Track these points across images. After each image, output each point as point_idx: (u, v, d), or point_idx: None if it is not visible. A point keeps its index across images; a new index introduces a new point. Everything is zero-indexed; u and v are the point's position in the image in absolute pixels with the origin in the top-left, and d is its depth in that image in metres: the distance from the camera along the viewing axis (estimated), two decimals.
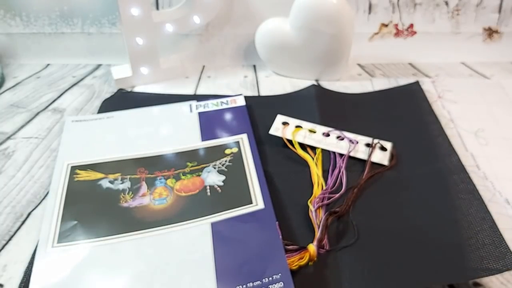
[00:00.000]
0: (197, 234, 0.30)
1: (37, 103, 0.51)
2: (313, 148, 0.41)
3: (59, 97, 0.53)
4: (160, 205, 0.33)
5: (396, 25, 0.63)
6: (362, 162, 0.39)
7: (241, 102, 0.47)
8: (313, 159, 0.39)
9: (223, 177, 0.35)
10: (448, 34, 0.63)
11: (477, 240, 0.30)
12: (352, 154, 0.40)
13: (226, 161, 0.37)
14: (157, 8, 0.61)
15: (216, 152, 0.38)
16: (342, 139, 0.41)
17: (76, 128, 0.43)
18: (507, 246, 0.29)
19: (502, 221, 0.32)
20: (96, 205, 0.33)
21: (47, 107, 0.50)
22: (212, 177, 0.35)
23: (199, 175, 0.36)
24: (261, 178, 0.35)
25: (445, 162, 0.38)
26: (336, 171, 0.37)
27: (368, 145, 0.41)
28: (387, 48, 0.64)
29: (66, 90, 0.55)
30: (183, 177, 0.36)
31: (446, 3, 0.62)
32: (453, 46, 0.64)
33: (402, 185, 0.36)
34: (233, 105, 0.46)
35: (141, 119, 0.44)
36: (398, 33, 0.64)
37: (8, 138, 0.44)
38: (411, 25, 0.63)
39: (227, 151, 0.39)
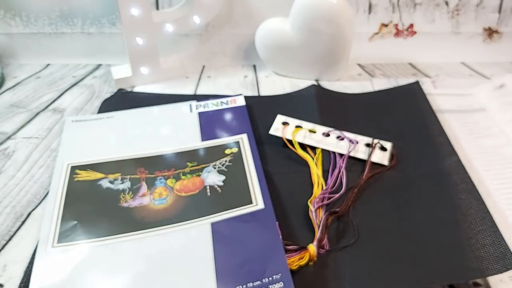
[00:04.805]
0: (197, 234, 0.30)
1: (37, 103, 0.51)
2: (313, 148, 0.41)
3: (59, 97, 0.53)
4: (160, 205, 0.33)
5: (396, 25, 0.63)
6: (362, 162, 0.39)
7: (241, 102, 0.47)
8: (313, 159, 0.39)
9: (223, 177, 0.35)
10: (448, 34, 0.63)
11: (477, 240, 0.30)
12: (352, 154, 0.40)
13: (226, 161, 0.37)
14: (157, 8, 0.61)
15: (216, 152, 0.38)
16: (342, 139, 0.41)
17: (76, 128, 0.43)
18: (507, 246, 0.29)
19: (502, 221, 0.32)
20: (96, 205, 0.33)
21: (47, 107, 0.50)
22: (212, 177, 0.35)
23: (199, 175, 0.36)
24: (261, 178, 0.35)
25: (445, 162, 0.38)
26: (336, 171, 0.37)
27: (368, 145, 0.41)
28: (387, 48, 0.64)
29: (66, 90, 0.55)
30: (183, 177, 0.36)
31: (446, 3, 0.62)
32: (453, 46, 0.64)
33: (402, 185, 0.36)
34: (233, 105, 0.46)
35: (141, 119, 0.44)
36: (398, 33, 0.64)
37: (8, 138, 0.44)
38: (411, 25, 0.63)
39: (227, 151, 0.39)
